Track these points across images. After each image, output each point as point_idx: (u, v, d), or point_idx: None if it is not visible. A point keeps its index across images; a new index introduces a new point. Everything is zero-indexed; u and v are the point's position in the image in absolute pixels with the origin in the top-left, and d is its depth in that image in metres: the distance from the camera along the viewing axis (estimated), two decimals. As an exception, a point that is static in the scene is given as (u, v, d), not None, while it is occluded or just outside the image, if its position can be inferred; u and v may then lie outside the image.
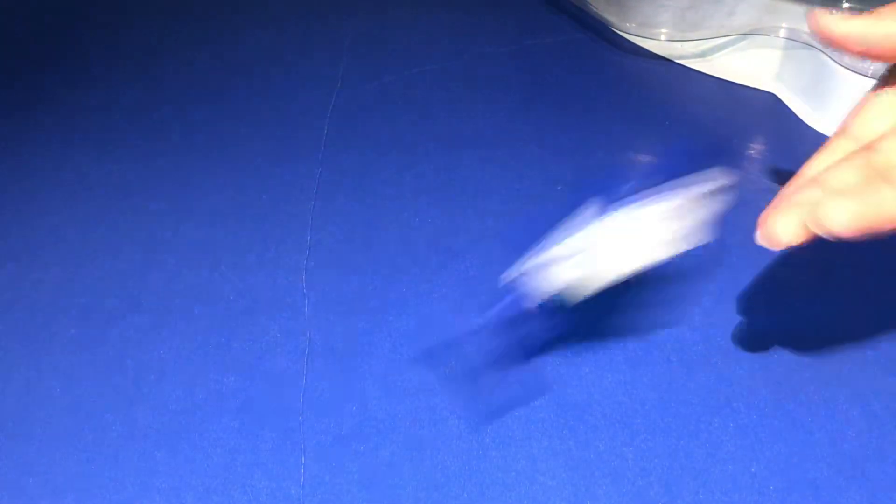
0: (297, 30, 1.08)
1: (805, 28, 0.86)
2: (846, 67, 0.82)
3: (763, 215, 0.48)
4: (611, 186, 0.56)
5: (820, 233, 0.44)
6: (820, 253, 0.72)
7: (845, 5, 0.86)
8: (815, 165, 0.50)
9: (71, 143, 0.87)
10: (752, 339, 0.64)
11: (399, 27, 1.07)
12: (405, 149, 0.85)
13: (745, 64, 0.94)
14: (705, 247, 0.51)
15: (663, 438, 0.56)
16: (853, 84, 0.83)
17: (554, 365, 0.61)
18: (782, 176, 0.81)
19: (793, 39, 0.88)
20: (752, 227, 0.75)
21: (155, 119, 0.91)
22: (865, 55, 0.47)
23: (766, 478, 0.54)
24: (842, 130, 0.51)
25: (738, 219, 0.76)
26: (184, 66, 1.00)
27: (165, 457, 0.56)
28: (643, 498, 0.53)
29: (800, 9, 0.87)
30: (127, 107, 0.93)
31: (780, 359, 0.62)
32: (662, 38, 0.95)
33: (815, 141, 0.86)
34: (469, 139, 0.86)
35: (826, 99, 0.85)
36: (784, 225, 0.46)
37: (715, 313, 0.66)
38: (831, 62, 0.84)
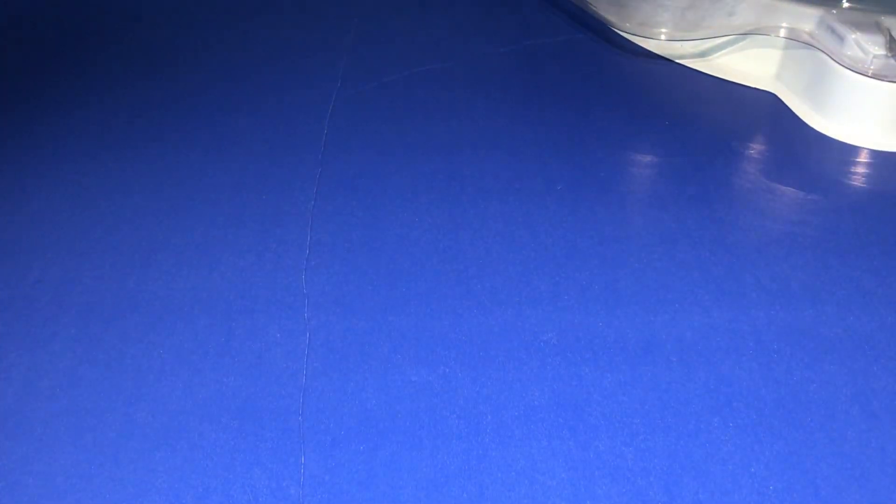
0: (298, 30, 1.08)
1: (805, 27, 0.86)
2: (846, 67, 0.82)
3: None
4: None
5: None
6: (819, 253, 0.72)
7: (845, 5, 0.86)
8: None
9: (71, 143, 0.87)
10: (753, 338, 0.64)
11: (399, 27, 1.07)
12: (405, 149, 0.85)
13: (745, 64, 0.94)
14: None
15: (663, 438, 0.56)
16: (853, 83, 0.83)
17: (554, 365, 0.61)
18: (782, 175, 0.81)
19: (793, 39, 0.88)
20: (750, 227, 0.75)
21: (155, 119, 0.91)
22: None
23: (766, 478, 0.54)
24: None
25: (737, 219, 0.76)
26: (184, 66, 1.00)
27: (165, 457, 0.56)
28: (643, 498, 0.53)
29: (800, 9, 0.87)
30: (127, 108, 0.93)
31: (780, 359, 0.62)
32: (662, 38, 0.95)
33: (815, 140, 0.86)
34: (469, 139, 0.86)
35: (826, 99, 0.85)
36: None
37: (715, 313, 0.66)
38: (831, 62, 0.84)
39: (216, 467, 0.55)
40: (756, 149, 0.85)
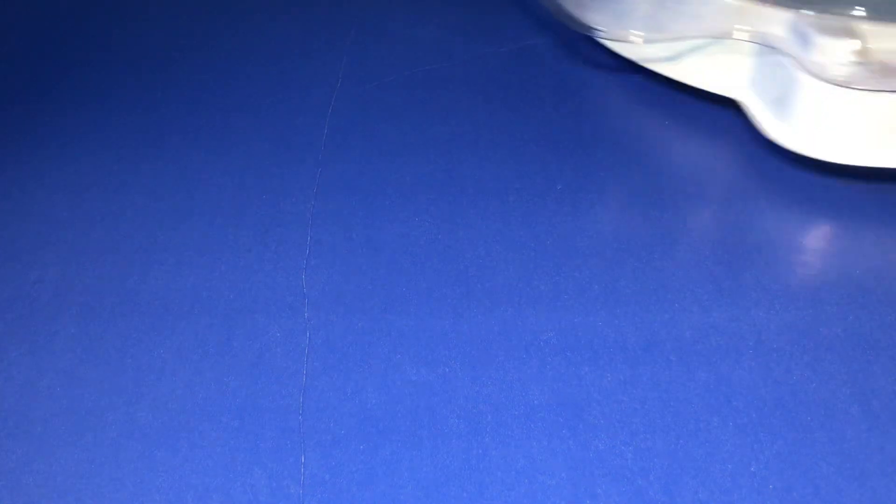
0: (298, 30, 1.08)
1: (775, 31, 0.81)
2: (814, 75, 0.78)
3: None
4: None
5: None
6: (818, 253, 0.72)
7: (816, 10, 0.83)
8: None
9: (71, 142, 0.87)
10: (753, 338, 0.64)
11: (399, 27, 1.07)
12: (405, 149, 0.85)
13: (713, 69, 0.89)
14: None
15: (663, 438, 0.56)
16: (816, 92, 0.78)
17: (554, 365, 0.61)
18: (782, 175, 0.81)
19: (760, 44, 0.83)
20: (750, 227, 0.75)
21: (154, 120, 0.91)
22: None
23: (766, 477, 0.54)
24: None
25: (737, 218, 0.76)
26: (183, 66, 1.00)
27: (165, 456, 0.56)
28: (643, 497, 0.53)
29: (769, 11, 0.82)
30: (127, 108, 0.93)
31: (780, 359, 0.62)
32: (634, 40, 0.89)
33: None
34: (469, 139, 0.86)
35: (789, 107, 0.81)
36: None
37: (715, 313, 0.66)
38: (794, 69, 0.78)
39: (216, 467, 0.55)
40: (754, 148, 0.85)
